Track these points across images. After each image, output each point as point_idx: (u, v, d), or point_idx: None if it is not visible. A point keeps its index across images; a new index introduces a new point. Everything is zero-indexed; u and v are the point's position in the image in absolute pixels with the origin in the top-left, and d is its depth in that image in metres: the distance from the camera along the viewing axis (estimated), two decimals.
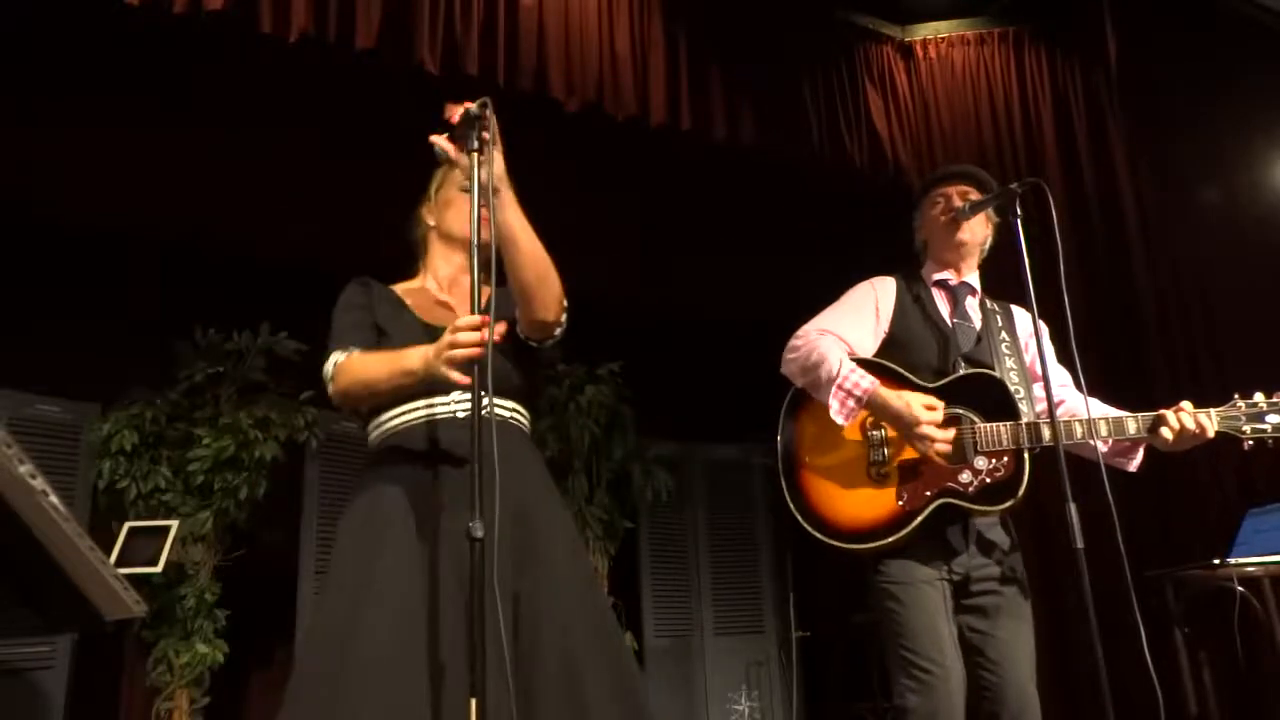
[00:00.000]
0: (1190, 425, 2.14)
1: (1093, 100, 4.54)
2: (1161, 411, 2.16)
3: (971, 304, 2.41)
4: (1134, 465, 2.29)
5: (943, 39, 4.68)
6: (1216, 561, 3.37)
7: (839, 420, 2.19)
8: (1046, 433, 2.13)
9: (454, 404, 1.80)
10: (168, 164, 4.14)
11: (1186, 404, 2.17)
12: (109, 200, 4.34)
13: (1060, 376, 2.35)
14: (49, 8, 3.32)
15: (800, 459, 2.29)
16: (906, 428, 2.15)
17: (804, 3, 4.39)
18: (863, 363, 2.27)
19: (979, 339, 2.35)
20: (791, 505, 2.26)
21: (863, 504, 2.21)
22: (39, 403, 4.16)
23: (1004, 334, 2.38)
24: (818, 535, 2.22)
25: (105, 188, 4.25)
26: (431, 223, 2.06)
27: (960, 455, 2.18)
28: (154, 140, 4.00)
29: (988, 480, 2.16)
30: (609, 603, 1.93)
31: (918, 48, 4.66)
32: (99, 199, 4.33)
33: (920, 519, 2.15)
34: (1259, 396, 2.20)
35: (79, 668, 3.82)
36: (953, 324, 2.35)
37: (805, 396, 2.31)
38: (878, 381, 2.18)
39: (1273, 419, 2.19)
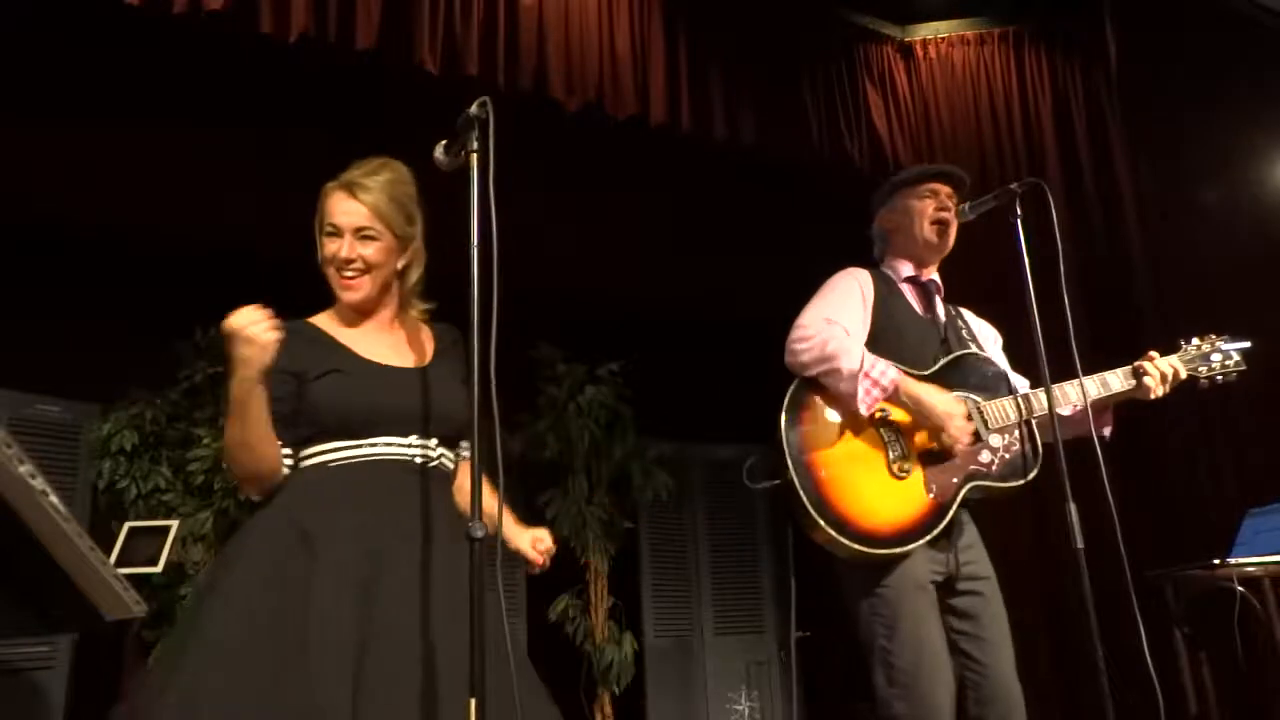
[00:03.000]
0: (1166, 370, 2.29)
1: (1093, 100, 4.53)
2: (1139, 363, 2.30)
3: (938, 302, 2.43)
4: (1109, 430, 2.35)
5: (943, 39, 4.67)
6: (1216, 561, 3.36)
7: (861, 409, 2.13)
8: (1044, 399, 2.16)
9: (384, 446, 1.81)
10: (167, 164, 4.13)
11: (1154, 353, 2.31)
12: (109, 200, 4.33)
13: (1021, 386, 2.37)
14: (49, 8, 3.31)
15: (817, 472, 2.15)
16: (939, 422, 2.14)
17: (804, 2, 4.38)
18: None
19: (948, 331, 2.37)
20: (826, 526, 2.09)
21: (897, 504, 2.14)
22: (39, 403, 4.17)
23: (965, 329, 2.43)
24: (861, 549, 2.09)
25: (105, 188, 4.25)
26: None
27: (976, 437, 2.20)
28: (154, 140, 4.00)
29: (1006, 456, 2.20)
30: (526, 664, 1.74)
31: (918, 48, 4.66)
32: (99, 199, 4.32)
33: (955, 507, 2.16)
34: (1195, 340, 2.39)
35: (79, 668, 3.83)
36: (927, 319, 2.38)
37: (802, 404, 2.20)
38: (900, 372, 2.18)
39: (1216, 359, 2.38)
